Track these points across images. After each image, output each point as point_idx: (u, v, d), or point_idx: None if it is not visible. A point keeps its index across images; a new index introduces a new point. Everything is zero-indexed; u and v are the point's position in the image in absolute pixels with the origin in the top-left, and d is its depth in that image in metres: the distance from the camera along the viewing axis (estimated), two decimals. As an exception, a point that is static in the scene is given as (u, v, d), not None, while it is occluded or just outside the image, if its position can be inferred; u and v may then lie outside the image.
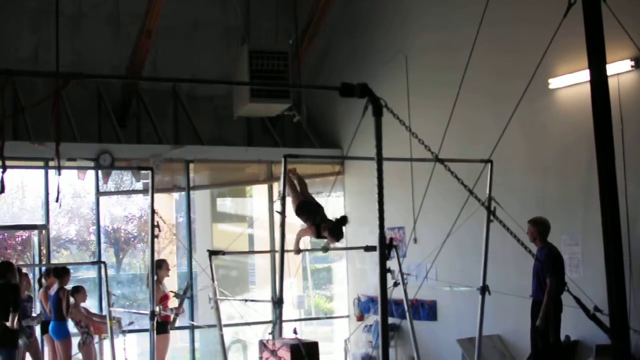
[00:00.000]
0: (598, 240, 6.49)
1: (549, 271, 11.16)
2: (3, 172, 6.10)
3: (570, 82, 12.25)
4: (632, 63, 11.30)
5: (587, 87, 7.00)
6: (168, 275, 15.07)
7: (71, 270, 14.95)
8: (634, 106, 11.20)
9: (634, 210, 10.80)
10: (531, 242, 11.53)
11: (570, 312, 9.78)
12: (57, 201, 8.38)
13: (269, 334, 11.71)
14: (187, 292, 14.87)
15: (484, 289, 12.37)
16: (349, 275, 18.37)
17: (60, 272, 14.38)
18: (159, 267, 14.36)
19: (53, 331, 14.19)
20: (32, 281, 15.06)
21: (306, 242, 16.96)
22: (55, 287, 14.28)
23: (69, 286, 14.47)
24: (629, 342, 6.22)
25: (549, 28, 8.29)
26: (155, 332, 12.86)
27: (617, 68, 11.27)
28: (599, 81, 6.48)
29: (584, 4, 6.58)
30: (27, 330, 13.95)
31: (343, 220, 11.04)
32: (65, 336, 14.21)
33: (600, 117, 6.43)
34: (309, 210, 11.37)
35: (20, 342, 13.23)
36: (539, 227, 11.66)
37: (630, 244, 10.61)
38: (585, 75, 6.74)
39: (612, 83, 9.03)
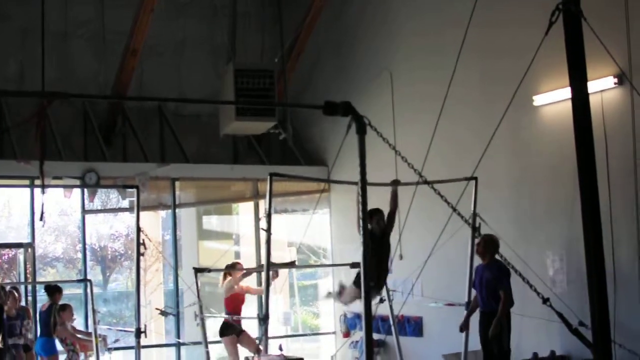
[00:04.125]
0: (582, 256, 6.54)
1: (503, 284, 11.51)
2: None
3: (555, 99, 12.29)
4: (616, 80, 11.34)
5: (571, 103, 7.05)
6: (244, 275, 14.91)
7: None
8: (617, 123, 11.24)
9: (618, 226, 10.85)
10: (477, 254, 11.92)
11: (556, 327, 9.83)
12: (41, 219, 8.41)
13: (255, 351, 11.73)
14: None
15: (470, 305, 12.45)
16: (336, 291, 18.38)
17: (52, 290, 14.43)
18: (232, 267, 14.38)
19: (41, 347, 14.19)
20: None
21: (293, 258, 16.98)
22: (46, 304, 14.33)
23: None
24: (611, 356, 6.27)
25: (532, 45, 8.36)
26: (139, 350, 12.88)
27: (601, 85, 11.31)
28: (580, 98, 6.54)
29: (564, 22, 6.65)
30: (12, 350, 13.92)
31: None
32: (52, 353, 14.22)
33: (582, 134, 6.49)
34: None
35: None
36: (490, 245, 11.77)
37: (615, 259, 10.64)
38: (568, 92, 6.78)
39: (596, 100, 9.13)
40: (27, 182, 15.75)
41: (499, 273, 11.60)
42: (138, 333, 12.84)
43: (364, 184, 5.98)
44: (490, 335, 11.54)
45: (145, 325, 13.22)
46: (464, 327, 12.37)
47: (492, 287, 11.73)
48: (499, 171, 13.32)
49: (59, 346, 14.49)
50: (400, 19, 16.22)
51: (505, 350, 11.66)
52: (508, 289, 11.51)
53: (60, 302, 14.84)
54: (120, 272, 31.53)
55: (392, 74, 16.24)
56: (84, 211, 16.78)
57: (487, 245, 11.77)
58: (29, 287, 15.48)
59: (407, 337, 15.35)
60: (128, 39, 16.24)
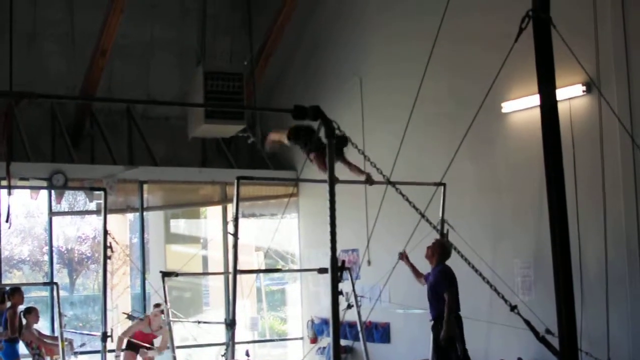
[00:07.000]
0: (550, 263, 6.53)
1: (446, 286, 11.57)
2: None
3: (523, 106, 12.34)
4: (584, 88, 11.41)
5: (539, 111, 7.06)
6: None
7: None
8: (585, 131, 11.29)
9: (585, 233, 10.86)
10: (426, 257, 12.03)
11: (522, 335, 9.81)
12: (7, 221, 8.33)
13: (222, 356, 11.68)
14: None
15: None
16: (303, 297, 18.35)
17: (10, 292, 14.23)
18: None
19: (2, 352, 14.03)
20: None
21: (261, 262, 16.95)
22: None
23: (21, 307, 14.37)
24: (577, 364, 6.27)
25: (501, 53, 8.37)
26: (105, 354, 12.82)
27: (569, 92, 11.39)
28: (548, 105, 6.53)
29: (534, 29, 6.64)
30: None
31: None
32: (13, 357, 14.03)
33: (550, 141, 6.48)
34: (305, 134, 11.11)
35: None
36: (440, 249, 11.80)
37: (582, 267, 10.69)
38: (537, 99, 6.78)
39: (564, 107, 9.13)
40: (-8, 183, 15.61)
41: (440, 277, 11.72)
42: (104, 337, 12.77)
43: (332, 188, 5.97)
44: (442, 339, 11.53)
45: (112, 329, 13.15)
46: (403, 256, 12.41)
47: (434, 292, 11.81)
48: (467, 178, 13.35)
49: (24, 350, 14.35)
50: (371, 26, 16.21)
51: (460, 357, 11.65)
52: (450, 292, 11.53)
53: (26, 305, 14.72)
54: (87, 275, 31.36)
55: (361, 79, 16.23)
56: (51, 213, 16.67)
57: (434, 249, 11.84)
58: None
59: (375, 343, 15.34)
60: (97, 40, 16.16)
